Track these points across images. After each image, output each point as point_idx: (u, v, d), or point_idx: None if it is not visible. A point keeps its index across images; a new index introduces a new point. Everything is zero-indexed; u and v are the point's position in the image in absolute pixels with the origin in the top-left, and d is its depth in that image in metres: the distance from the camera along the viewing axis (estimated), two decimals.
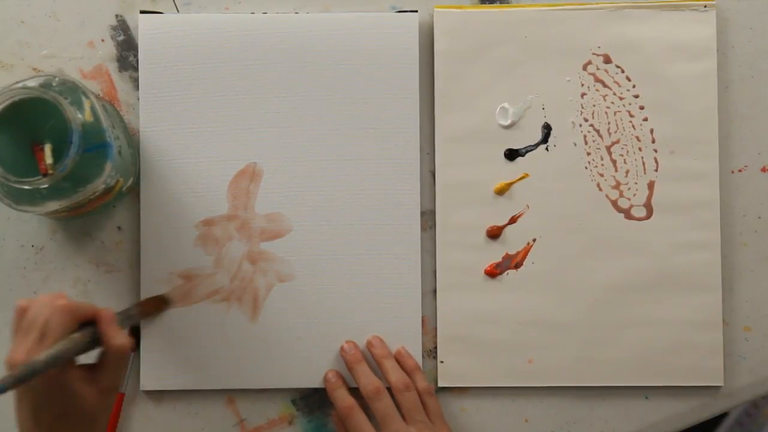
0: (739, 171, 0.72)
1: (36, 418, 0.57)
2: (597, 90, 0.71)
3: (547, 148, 0.71)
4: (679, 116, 0.71)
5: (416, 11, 0.71)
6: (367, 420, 0.67)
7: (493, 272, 0.71)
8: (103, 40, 0.72)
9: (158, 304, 0.70)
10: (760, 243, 0.71)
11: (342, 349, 0.70)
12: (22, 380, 0.54)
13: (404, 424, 0.66)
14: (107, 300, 0.70)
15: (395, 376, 0.68)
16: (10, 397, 0.56)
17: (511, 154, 0.71)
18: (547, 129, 0.71)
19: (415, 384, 0.68)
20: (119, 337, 0.59)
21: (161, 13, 0.71)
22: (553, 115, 0.71)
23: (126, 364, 0.63)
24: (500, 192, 0.71)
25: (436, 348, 0.71)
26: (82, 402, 0.58)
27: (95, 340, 0.58)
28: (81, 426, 0.59)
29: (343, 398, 0.68)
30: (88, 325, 0.59)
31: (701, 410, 0.71)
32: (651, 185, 0.71)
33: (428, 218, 0.71)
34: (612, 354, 0.70)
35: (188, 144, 0.70)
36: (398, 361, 0.70)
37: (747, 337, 0.71)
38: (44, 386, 0.57)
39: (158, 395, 0.71)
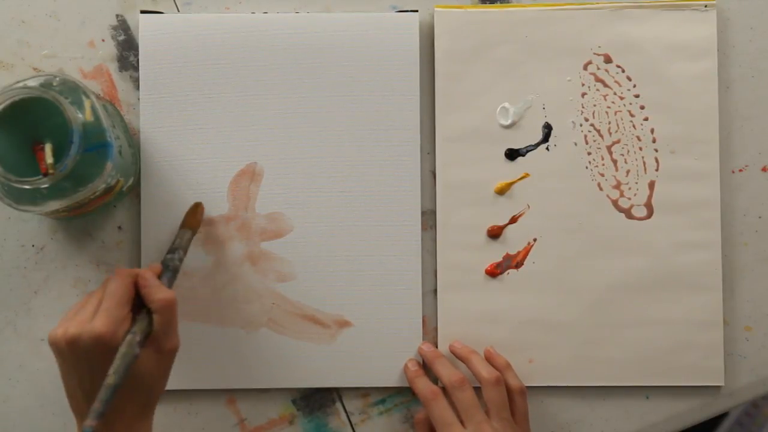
0: (740, 171, 0.72)
1: (91, 388, 0.57)
2: (597, 90, 0.71)
3: (547, 148, 0.71)
4: (680, 116, 0.71)
5: (417, 11, 0.71)
6: (450, 408, 0.65)
7: (494, 272, 0.71)
8: (103, 40, 0.72)
9: (196, 213, 0.69)
10: (760, 243, 0.72)
11: (420, 349, 0.70)
12: (104, 413, 0.54)
13: (487, 417, 0.64)
14: None
15: (486, 370, 0.66)
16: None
17: (512, 154, 0.71)
18: (547, 129, 0.71)
19: (506, 381, 0.67)
20: (159, 293, 0.59)
21: (162, 13, 0.71)
22: (554, 115, 0.71)
23: (174, 318, 0.60)
24: (501, 192, 0.71)
25: (436, 348, 0.71)
26: (140, 368, 0.58)
27: (149, 319, 0.59)
28: (138, 393, 0.58)
29: (426, 384, 0.67)
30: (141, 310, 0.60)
31: (701, 410, 0.71)
32: (651, 185, 0.71)
33: (429, 218, 0.71)
34: (612, 354, 0.70)
35: (189, 144, 0.70)
36: (487, 359, 0.69)
37: (747, 336, 0.71)
38: (100, 355, 0.56)
39: None
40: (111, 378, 0.55)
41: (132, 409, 0.58)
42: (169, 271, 0.64)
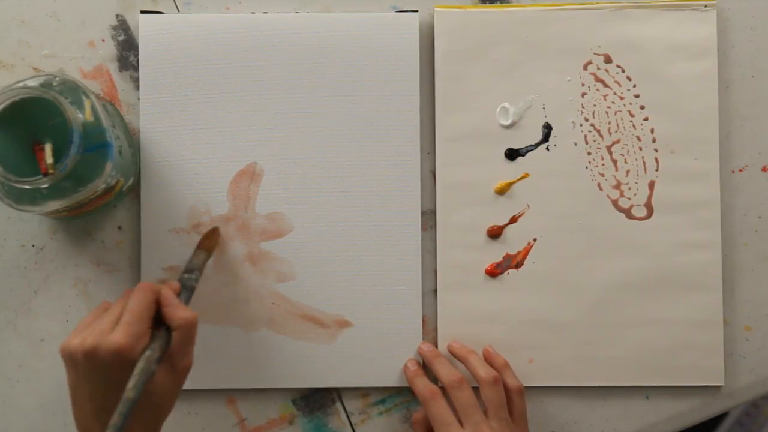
0: (740, 171, 0.72)
1: (103, 402, 0.56)
2: (597, 90, 0.71)
3: (547, 148, 0.71)
4: (680, 116, 0.71)
5: (417, 11, 0.71)
6: (449, 407, 0.65)
7: (494, 272, 0.71)
8: (103, 40, 0.72)
9: (213, 236, 0.68)
10: (760, 242, 0.72)
11: (419, 348, 0.70)
12: (122, 428, 0.54)
13: (485, 417, 0.64)
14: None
15: (484, 369, 0.66)
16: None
17: (512, 154, 0.71)
18: (547, 129, 0.71)
19: (504, 381, 0.67)
20: (181, 312, 0.58)
21: (162, 12, 0.71)
22: (554, 115, 0.71)
23: (193, 338, 0.59)
24: (501, 192, 0.71)
25: (436, 348, 0.71)
26: (154, 386, 0.57)
27: (168, 337, 0.58)
28: (149, 411, 0.58)
29: (425, 384, 0.67)
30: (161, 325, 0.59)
31: (701, 410, 0.71)
32: (651, 185, 0.71)
33: (429, 218, 0.71)
34: (612, 354, 0.70)
35: (189, 144, 0.70)
36: (486, 359, 0.69)
37: (747, 336, 0.71)
38: (117, 369, 0.55)
39: None
40: (130, 392, 0.54)
41: (139, 428, 0.58)
42: (186, 290, 0.63)
